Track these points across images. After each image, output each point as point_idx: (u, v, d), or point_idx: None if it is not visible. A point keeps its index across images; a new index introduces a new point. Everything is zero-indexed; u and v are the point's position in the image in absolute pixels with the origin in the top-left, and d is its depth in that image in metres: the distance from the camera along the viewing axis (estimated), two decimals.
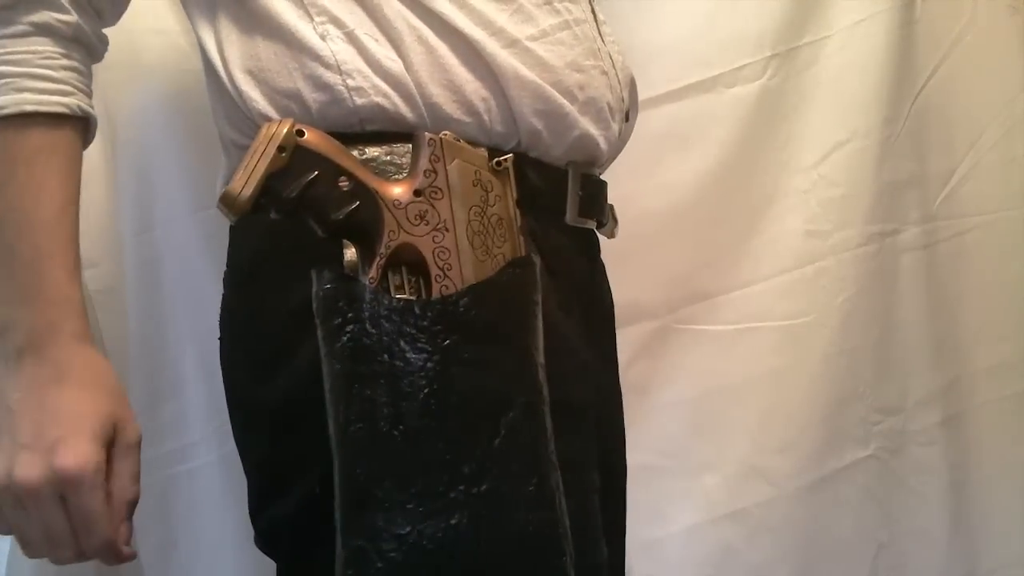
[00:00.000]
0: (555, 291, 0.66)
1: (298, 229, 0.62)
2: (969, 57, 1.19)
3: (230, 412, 0.70)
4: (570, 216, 0.71)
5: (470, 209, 0.59)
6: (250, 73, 0.65)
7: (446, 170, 0.58)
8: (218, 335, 0.71)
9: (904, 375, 1.21)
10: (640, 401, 1.14)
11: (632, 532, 0.79)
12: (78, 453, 0.56)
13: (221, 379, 0.71)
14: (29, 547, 0.58)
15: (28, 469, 0.55)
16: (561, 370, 0.61)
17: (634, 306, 1.12)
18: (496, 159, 0.61)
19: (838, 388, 1.18)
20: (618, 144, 0.76)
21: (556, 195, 0.70)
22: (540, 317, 0.60)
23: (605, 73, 0.71)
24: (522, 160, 0.66)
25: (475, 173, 0.60)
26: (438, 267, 0.57)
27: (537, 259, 0.61)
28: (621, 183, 0.77)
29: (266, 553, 0.68)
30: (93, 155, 1.02)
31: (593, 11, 0.75)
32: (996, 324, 1.22)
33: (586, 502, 0.65)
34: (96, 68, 1.04)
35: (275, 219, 0.63)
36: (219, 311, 0.72)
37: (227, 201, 0.55)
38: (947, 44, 1.19)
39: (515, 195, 0.61)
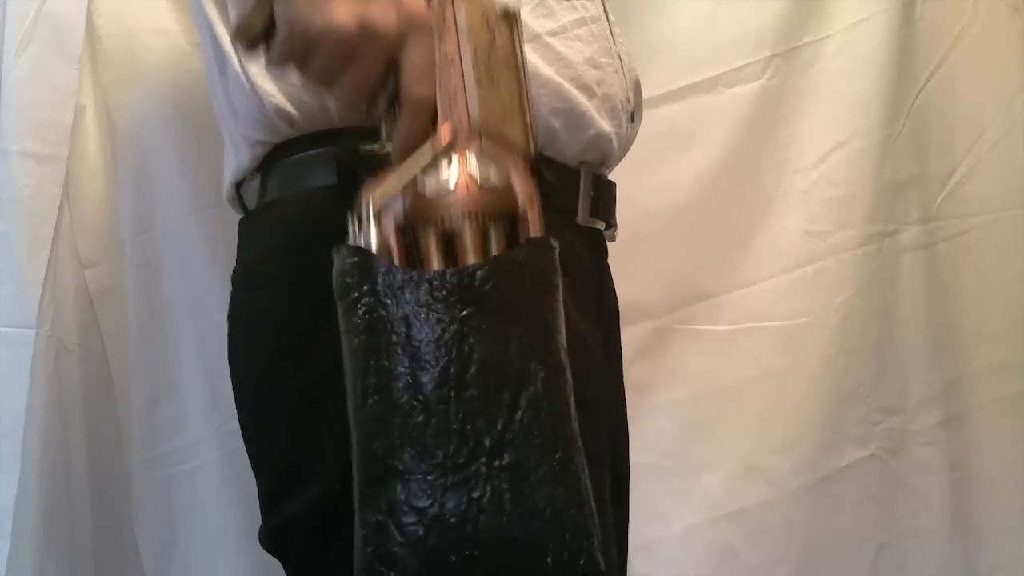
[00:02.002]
0: (569, 290, 0.67)
1: (310, 223, 0.62)
2: (969, 57, 1.19)
3: (239, 411, 0.70)
4: (581, 216, 0.71)
5: (476, 47, 0.58)
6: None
7: (454, 9, 0.57)
8: (219, 334, 0.71)
9: (904, 375, 1.21)
10: (640, 401, 1.14)
11: (631, 532, 0.79)
12: (420, 3, 0.55)
13: (221, 379, 0.71)
14: (343, 98, 0.57)
15: (385, 14, 0.54)
16: (578, 368, 0.61)
17: (634, 306, 1.12)
18: (505, 8, 0.59)
19: (838, 388, 1.18)
20: (625, 144, 0.76)
21: (569, 194, 0.70)
22: (561, 301, 0.59)
23: (617, 72, 0.71)
24: (537, 159, 0.66)
25: (482, 15, 0.58)
26: (445, 103, 0.56)
27: (556, 243, 0.61)
28: (621, 183, 0.77)
29: (273, 553, 0.67)
30: (93, 155, 1.03)
31: (605, 10, 0.75)
32: (996, 324, 1.22)
33: (601, 501, 0.65)
34: (96, 68, 1.05)
35: (286, 215, 0.62)
36: (220, 310, 0.72)
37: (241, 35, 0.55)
38: (947, 44, 1.19)
39: (521, 44, 0.60)
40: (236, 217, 0.75)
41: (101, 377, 1.04)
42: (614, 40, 0.74)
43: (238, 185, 0.73)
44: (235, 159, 0.71)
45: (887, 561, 1.21)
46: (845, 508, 1.19)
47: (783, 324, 1.17)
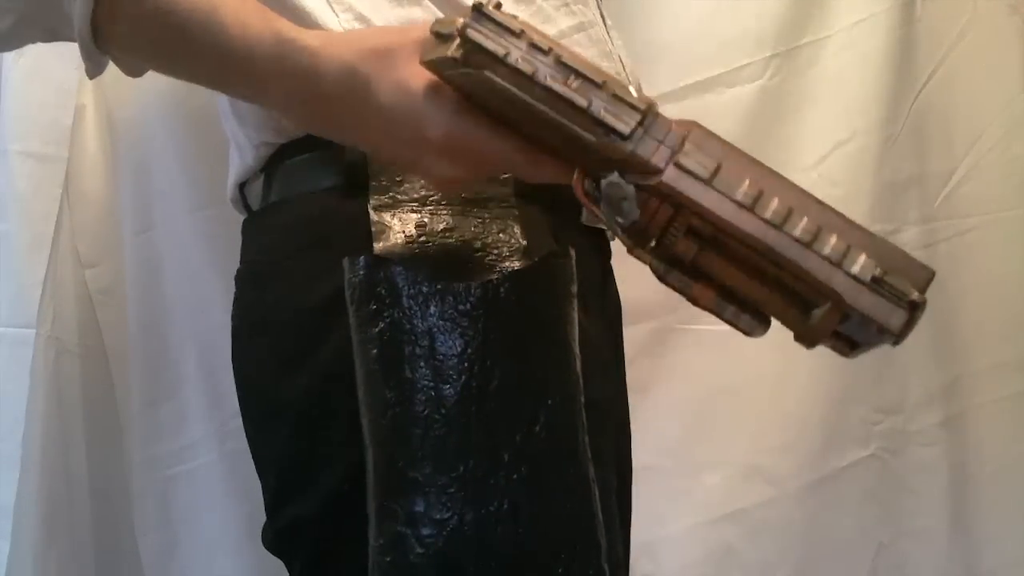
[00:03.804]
0: (577, 291, 0.67)
1: (316, 223, 0.62)
2: (969, 57, 1.19)
3: (243, 411, 0.70)
4: (585, 216, 0.71)
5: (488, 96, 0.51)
6: None
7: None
8: (219, 334, 0.71)
9: (904, 375, 1.21)
10: (640, 401, 1.14)
11: (632, 532, 0.79)
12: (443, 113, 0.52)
13: (221, 379, 0.71)
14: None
15: (439, 166, 0.53)
16: (586, 368, 0.61)
17: (634, 306, 1.12)
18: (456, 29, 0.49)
19: (838, 388, 1.18)
20: None
21: (572, 195, 0.70)
22: (576, 310, 0.59)
23: (619, 74, 0.72)
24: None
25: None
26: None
27: (573, 252, 0.61)
28: None
29: (278, 554, 0.67)
30: (93, 155, 1.03)
31: (601, 14, 0.75)
32: (996, 324, 1.22)
33: (607, 501, 0.65)
34: None
35: (292, 215, 0.63)
36: (220, 309, 0.72)
37: None
38: (947, 44, 1.19)
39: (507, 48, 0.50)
40: (236, 217, 0.75)
41: (101, 377, 1.04)
42: (611, 43, 0.74)
43: (242, 186, 0.73)
44: (239, 160, 0.71)
45: (887, 561, 1.21)
46: (845, 508, 1.19)
47: None
